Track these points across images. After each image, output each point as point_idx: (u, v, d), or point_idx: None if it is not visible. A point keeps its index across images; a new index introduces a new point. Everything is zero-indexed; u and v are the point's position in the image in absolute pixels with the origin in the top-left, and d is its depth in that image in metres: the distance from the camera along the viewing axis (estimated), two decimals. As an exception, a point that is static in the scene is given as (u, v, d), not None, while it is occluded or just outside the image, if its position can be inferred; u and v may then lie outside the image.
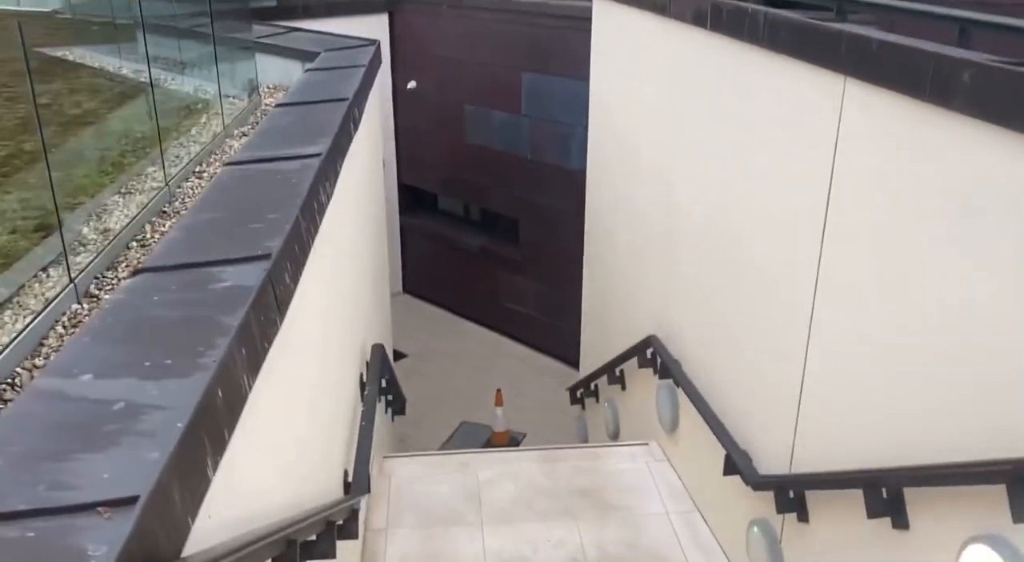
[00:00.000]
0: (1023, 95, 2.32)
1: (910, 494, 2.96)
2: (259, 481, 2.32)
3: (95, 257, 3.68)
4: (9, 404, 2.67)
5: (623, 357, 6.23)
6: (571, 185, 8.66)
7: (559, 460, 5.64)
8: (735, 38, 4.19)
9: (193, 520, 1.61)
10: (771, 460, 4.09)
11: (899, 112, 2.90)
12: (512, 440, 8.88)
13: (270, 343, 2.34)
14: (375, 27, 11.12)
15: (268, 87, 7.88)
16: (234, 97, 7.23)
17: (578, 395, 7.87)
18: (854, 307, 3.32)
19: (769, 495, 3.94)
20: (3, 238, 3.87)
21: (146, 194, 4.61)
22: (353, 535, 3.66)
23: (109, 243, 3.83)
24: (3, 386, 2.88)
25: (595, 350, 7.50)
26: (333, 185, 3.77)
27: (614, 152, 6.62)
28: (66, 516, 1.43)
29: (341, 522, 3.63)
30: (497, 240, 11.14)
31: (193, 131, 6.07)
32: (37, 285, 3.49)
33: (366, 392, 4.82)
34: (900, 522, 3.00)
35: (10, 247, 3.81)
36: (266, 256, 2.53)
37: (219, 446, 1.83)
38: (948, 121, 2.64)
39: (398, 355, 10.75)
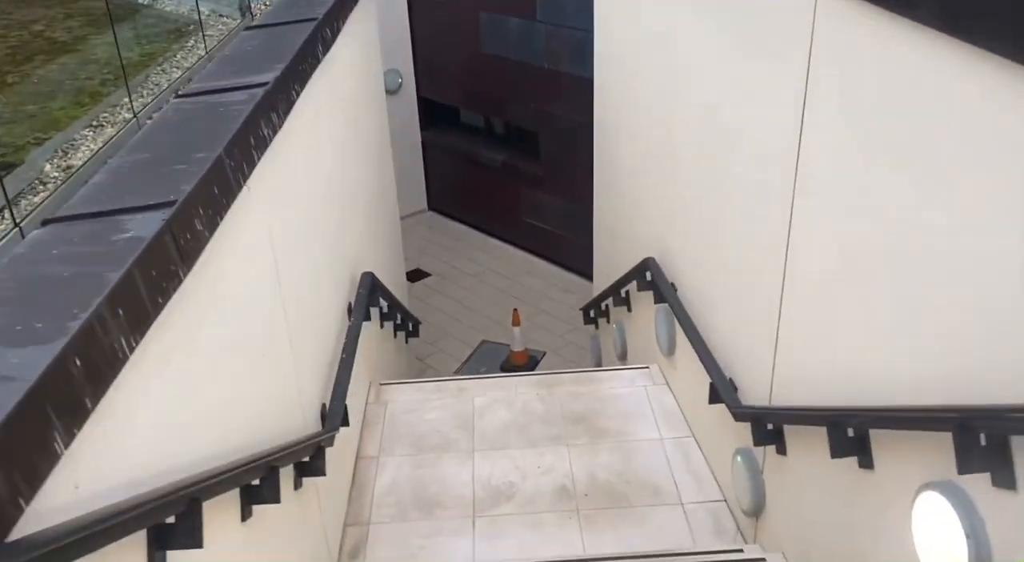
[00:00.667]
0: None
1: (876, 436, 2.81)
2: (166, 437, 2.27)
3: (47, 197, 3.62)
4: None
5: (626, 278, 6.08)
6: (587, 95, 8.31)
7: (556, 385, 5.58)
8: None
9: (27, 500, 1.55)
10: (754, 391, 3.95)
11: (866, 25, 2.60)
12: (530, 359, 8.86)
13: (167, 297, 2.25)
14: (386, -67, 10.66)
15: (265, 4, 7.62)
16: (227, 16, 7.02)
17: (591, 315, 7.76)
18: (824, 238, 3.10)
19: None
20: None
21: (116, 126, 4.51)
22: (320, 472, 3.67)
23: (63, 183, 3.76)
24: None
25: (606, 269, 7.34)
26: (283, 115, 3.60)
27: (616, 64, 6.28)
28: None
29: (307, 459, 3.65)
30: (518, 154, 10.87)
31: (178, 55, 5.92)
32: (-10, 228, 3.45)
33: (349, 323, 4.77)
34: (865, 462, 2.86)
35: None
36: (169, 203, 2.41)
37: (76, 416, 1.76)
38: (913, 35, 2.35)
39: (421, 274, 10.75)
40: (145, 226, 2.32)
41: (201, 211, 2.56)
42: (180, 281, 2.35)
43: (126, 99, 5.02)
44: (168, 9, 7.35)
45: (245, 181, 3.02)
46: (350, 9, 5.62)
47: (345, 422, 4.20)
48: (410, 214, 12.09)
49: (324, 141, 4.72)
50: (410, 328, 7.57)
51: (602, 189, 7.26)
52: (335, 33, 4.92)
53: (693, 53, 4.51)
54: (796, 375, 3.51)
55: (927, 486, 2.41)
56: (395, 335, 7.00)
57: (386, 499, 4.63)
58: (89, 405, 1.81)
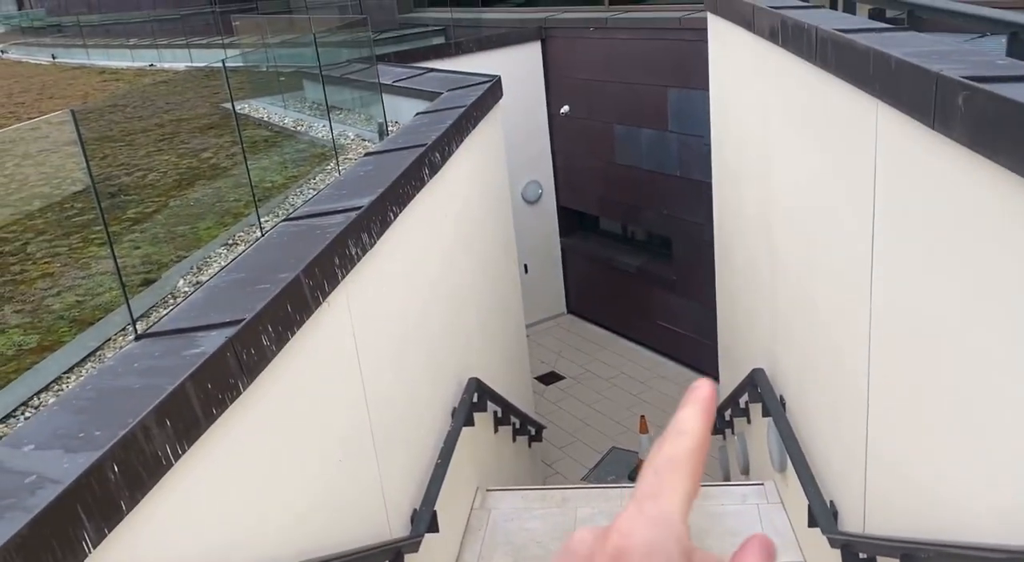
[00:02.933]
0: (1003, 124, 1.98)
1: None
2: (215, 540, 2.45)
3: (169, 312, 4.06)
4: None
5: (740, 389, 5.90)
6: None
7: (663, 498, 5.41)
8: (799, 56, 3.87)
9: (48, 594, 1.75)
10: (849, 516, 3.71)
11: (919, 142, 2.56)
12: (659, 468, 8.61)
13: (222, 408, 2.47)
14: (529, 58, 11.34)
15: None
16: (369, 141, 7.65)
17: (716, 425, 7.52)
18: (909, 366, 2.95)
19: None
20: (112, 294, 4.35)
21: (247, 244, 5.00)
22: (398, 575, 3.75)
23: (184, 299, 4.20)
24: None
25: (729, 376, 7.14)
26: (377, 235, 3.89)
27: (729, 174, 6.30)
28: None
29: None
30: (653, 259, 10.92)
31: (317, 178, 6.50)
32: (122, 338, 3.90)
33: (449, 428, 4.91)
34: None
35: (115, 303, 4.27)
36: (236, 322, 2.68)
37: (109, 518, 1.96)
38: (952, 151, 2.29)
39: (555, 377, 10.83)
40: (212, 343, 2.58)
41: (270, 328, 2.82)
42: (240, 393, 2.58)
43: (264, 218, 5.56)
44: (319, 135, 8.12)
45: (325, 298, 3.28)
46: (468, 131, 6.01)
47: (434, 528, 4.28)
48: (549, 317, 12.31)
49: (429, 254, 5.01)
50: (532, 433, 7.62)
51: (722, 295, 7.16)
52: (446, 156, 5.27)
53: (783, 165, 4.48)
54: (885, 501, 3.28)
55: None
56: (514, 440, 7.07)
57: (479, 609, 4.62)
58: (124, 508, 2.03)
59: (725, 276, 6.97)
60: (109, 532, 1.96)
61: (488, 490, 5.71)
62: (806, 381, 4.42)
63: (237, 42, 16.24)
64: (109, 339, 3.91)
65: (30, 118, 12.52)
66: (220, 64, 11.94)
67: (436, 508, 4.31)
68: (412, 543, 3.95)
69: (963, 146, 2.20)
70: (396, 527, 4.04)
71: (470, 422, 5.22)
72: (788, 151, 4.39)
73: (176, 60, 16.61)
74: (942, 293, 2.51)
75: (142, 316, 4.12)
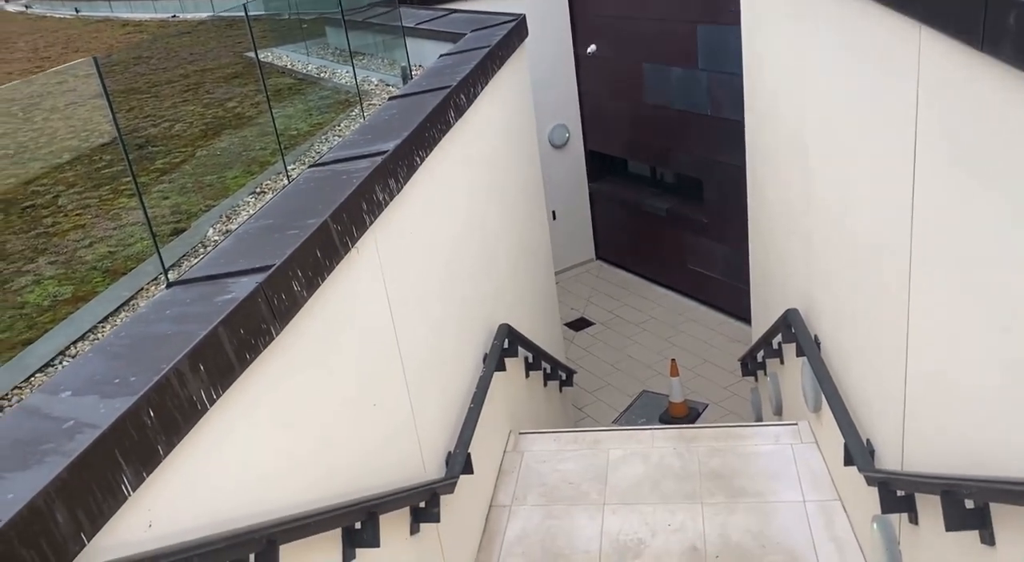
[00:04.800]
0: None
1: (998, 510, 2.55)
2: (253, 481, 2.48)
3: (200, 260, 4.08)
4: None
5: (774, 329, 5.84)
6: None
7: (695, 440, 5.42)
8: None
9: (89, 536, 1.77)
10: (887, 453, 3.67)
11: (965, 65, 2.44)
12: (691, 412, 8.64)
13: (255, 353, 2.47)
14: (553, -4, 11.08)
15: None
16: (394, 86, 7.55)
17: (748, 367, 7.48)
18: (940, 293, 2.87)
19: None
20: (143, 244, 4.37)
21: (275, 192, 4.99)
22: (434, 518, 3.80)
23: (214, 248, 4.21)
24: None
25: (763, 317, 7.07)
26: (403, 180, 3.85)
27: (761, 109, 6.14)
28: (-41, 534, 1.64)
29: (422, 505, 3.79)
30: (683, 202, 10.77)
31: (342, 125, 6.45)
32: (154, 287, 3.92)
33: (481, 373, 4.93)
34: (985, 537, 2.60)
35: (147, 252, 4.29)
36: (266, 268, 2.67)
37: (147, 462, 1.98)
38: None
39: (585, 323, 10.82)
40: (243, 289, 2.57)
41: (300, 273, 2.80)
42: (272, 338, 2.58)
43: (290, 166, 5.53)
44: (343, 82, 8.03)
45: (354, 243, 3.26)
46: (493, 72, 5.89)
47: (468, 470, 4.32)
48: (578, 264, 12.25)
49: (456, 200, 4.96)
50: (563, 378, 7.64)
51: (755, 236, 7.05)
52: (472, 97, 5.18)
53: (822, 97, 4.34)
54: (924, 438, 3.24)
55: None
56: (545, 385, 7.09)
57: (514, 549, 4.69)
58: (162, 452, 2.04)
59: (758, 216, 6.85)
60: (147, 476, 1.98)
61: (520, 433, 5.75)
62: (842, 319, 4.35)
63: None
64: (141, 289, 3.94)
65: (56, 72, 12.54)
66: (241, 14, 11.82)
67: (470, 450, 4.34)
68: (447, 484, 3.99)
69: (1013, 67, 2.09)
70: (431, 469, 4.08)
71: (501, 367, 5.24)
72: (825, 83, 4.25)
73: (198, 10, 16.48)
74: (988, 221, 2.43)
75: (173, 265, 4.14)
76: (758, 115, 6.43)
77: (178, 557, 1.99)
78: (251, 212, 4.77)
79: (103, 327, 3.68)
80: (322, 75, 8.54)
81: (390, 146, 3.88)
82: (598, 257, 12.45)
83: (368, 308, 3.48)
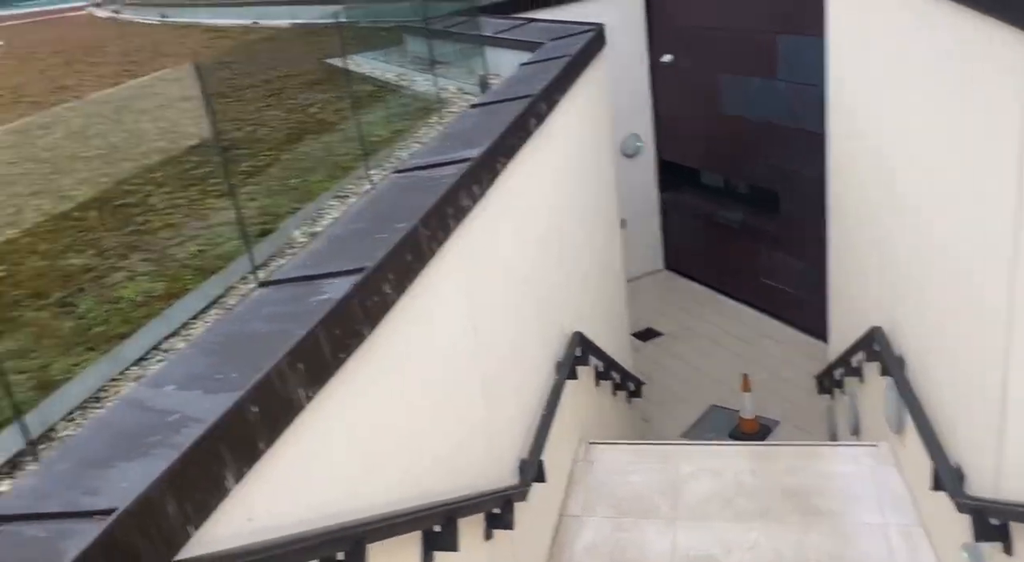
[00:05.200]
0: None
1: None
2: (341, 480, 2.52)
3: (288, 261, 4.17)
4: (101, 410, 3.14)
5: (856, 347, 5.70)
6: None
7: (771, 457, 5.32)
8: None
9: (195, 527, 1.83)
10: (979, 480, 3.54)
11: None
12: (762, 429, 8.47)
13: (348, 353, 2.52)
14: (631, 6, 11.03)
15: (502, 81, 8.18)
16: (471, 94, 7.62)
17: (824, 384, 7.31)
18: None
19: (978, 518, 3.42)
20: (232, 244, 4.50)
21: (357, 197, 5.08)
22: (508, 525, 3.81)
23: (300, 249, 4.30)
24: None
25: (841, 334, 6.91)
26: (486, 186, 3.88)
27: (848, 122, 6.01)
28: (77, 520, 1.70)
29: (497, 511, 3.80)
30: (757, 214, 10.60)
31: (421, 132, 6.53)
32: (243, 286, 4.03)
33: (554, 381, 4.92)
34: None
35: (236, 252, 4.42)
36: (359, 270, 2.71)
37: (249, 457, 2.03)
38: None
39: (653, 334, 10.72)
40: (337, 290, 2.63)
41: (391, 276, 2.85)
42: (364, 339, 2.62)
43: (372, 171, 5.63)
44: (421, 89, 8.14)
45: (439, 248, 3.29)
46: (572, 81, 5.90)
47: (540, 478, 4.32)
48: (646, 273, 12.16)
49: (535, 207, 4.97)
50: (631, 389, 7.58)
51: (836, 251, 6.89)
52: (552, 106, 5.19)
53: (915, 111, 4.23)
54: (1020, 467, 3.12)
55: None
56: (614, 394, 7.05)
57: (584, 560, 4.66)
58: (263, 447, 2.09)
59: (839, 230, 6.70)
60: (248, 470, 2.03)
61: (590, 443, 5.72)
62: (931, 338, 4.22)
63: (336, -2, 16.39)
64: (231, 287, 4.05)
65: (145, 75, 13.01)
66: (321, 21, 12.08)
67: (542, 458, 4.34)
68: (521, 491, 4.00)
69: None
70: (505, 475, 4.09)
71: (574, 375, 5.22)
72: (918, 96, 4.14)
73: (279, 17, 16.89)
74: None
75: (261, 265, 4.24)
76: (842, 127, 6.30)
77: (274, 552, 2.04)
78: (335, 215, 4.87)
79: (194, 323, 3.79)
80: (401, 82, 8.67)
81: (474, 153, 3.91)
82: (667, 267, 12.33)
83: (449, 313, 3.51)
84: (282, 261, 4.31)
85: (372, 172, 5.54)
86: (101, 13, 31.62)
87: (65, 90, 12.56)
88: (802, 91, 9.05)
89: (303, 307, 2.57)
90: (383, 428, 2.82)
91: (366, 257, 2.86)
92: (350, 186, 5.39)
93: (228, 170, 5.59)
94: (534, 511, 4.43)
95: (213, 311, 3.83)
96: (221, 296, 3.97)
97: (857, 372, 5.93)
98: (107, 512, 1.66)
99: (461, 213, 3.58)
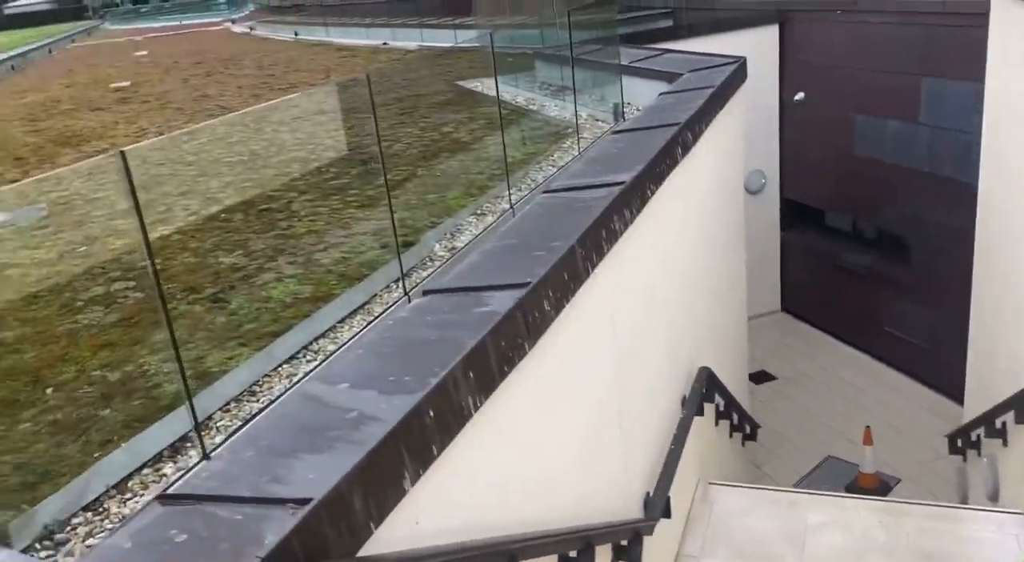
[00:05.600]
0: None
1: None
2: (495, 492, 2.50)
3: (431, 273, 4.22)
4: (277, 402, 3.19)
5: (1003, 407, 5.36)
6: (970, 202, 7.61)
7: (904, 515, 5.04)
8: None
9: (376, 525, 1.83)
10: None
11: None
12: (882, 485, 8.06)
13: (511, 366, 2.51)
14: (764, 42, 10.87)
15: (637, 109, 8.15)
16: (602, 120, 7.62)
17: (958, 444, 6.90)
18: None
19: None
20: (373, 253, 4.60)
21: (494, 215, 5.12)
22: (636, 559, 3.71)
23: (445, 262, 4.35)
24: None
25: (980, 393, 6.53)
26: (636, 212, 3.84)
27: (1005, 171, 5.71)
28: (268, 506, 1.73)
29: (625, 543, 3.72)
30: (885, 260, 10.18)
31: (555, 155, 6.55)
32: (386, 294, 4.10)
33: (681, 416, 4.81)
34: None
35: (378, 261, 4.51)
36: (523, 285, 2.71)
37: (424, 460, 2.04)
38: None
39: (766, 376, 10.41)
40: (501, 303, 2.63)
41: (550, 293, 2.84)
42: (525, 353, 2.62)
43: (506, 192, 5.67)
44: (553, 114, 8.19)
45: (593, 269, 3.27)
46: (715, 113, 5.82)
47: (667, 514, 4.21)
48: (762, 314, 11.82)
49: (674, 237, 4.91)
50: (747, 431, 7.35)
51: (980, 305, 6.53)
52: (696, 136, 5.13)
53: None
54: None
55: None
56: (730, 436, 6.85)
57: (701, 602, 4.51)
58: (435, 451, 2.09)
59: (987, 283, 6.35)
60: (423, 473, 2.03)
61: (709, 483, 5.55)
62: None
63: (465, 23, 16.79)
64: (375, 295, 4.12)
65: (280, 88, 13.59)
66: (450, 45, 12.36)
67: (669, 494, 4.23)
68: (648, 526, 3.90)
69: None
70: (631, 508, 4.00)
71: (700, 412, 5.09)
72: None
73: (408, 39, 17.41)
74: None
75: (404, 276, 4.31)
76: (995, 177, 5.99)
77: (440, 559, 2.03)
78: (474, 232, 4.92)
79: (340, 327, 3.87)
80: (531, 107, 8.74)
81: (626, 177, 3.89)
82: (784, 309, 11.97)
83: (597, 335, 3.48)
84: (424, 273, 4.36)
85: (508, 192, 5.58)
86: (237, 29, 33.33)
87: (207, 99, 13.22)
88: (947, 136, 8.69)
89: (468, 317, 2.59)
90: (534, 446, 2.80)
91: (526, 273, 2.87)
92: (487, 204, 5.44)
93: (361, 183, 5.74)
94: (654, 546, 4.31)
95: (358, 317, 3.89)
96: (365, 303, 4.04)
97: (1001, 434, 5.57)
98: (302, 501, 1.68)
99: (612, 237, 3.55)
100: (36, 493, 2.78)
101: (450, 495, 2.22)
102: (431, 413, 2.07)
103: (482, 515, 2.41)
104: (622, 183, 3.80)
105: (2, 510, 2.59)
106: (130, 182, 2.34)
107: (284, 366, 3.53)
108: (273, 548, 1.56)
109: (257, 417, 2.60)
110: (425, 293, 2.91)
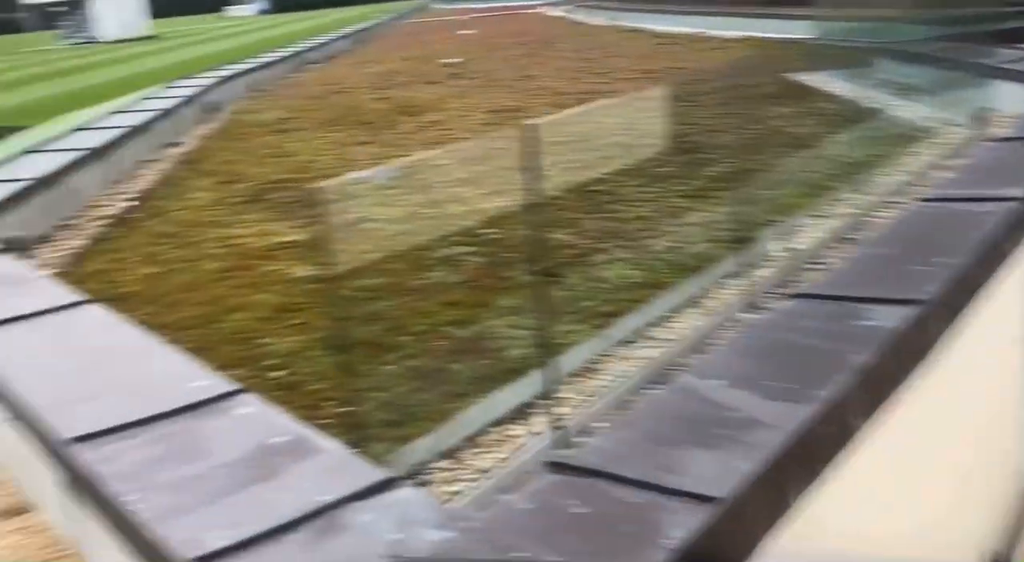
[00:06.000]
0: None
1: None
2: (870, 515, 2.32)
3: (771, 273, 4.05)
4: (653, 392, 3.16)
5: None
6: None
7: None
8: None
9: (761, 536, 1.75)
10: None
11: None
12: None
13: (897, 391, 2.31)
14: None
15: (1004, 116, 7.25)
16: (960, 126, 6.89)
17: None
18: None
19: None
20: (704, 245, 4.51)
21: (834, 219, 4.81)
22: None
23: (786, 263, 4.15)
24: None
25: None
26: (1028, 233, 3.38)
27: None
28: (666, 496, 1.71)
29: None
30: None
31: (902, 160, 6.03)
32: (721, 291, 4.00)
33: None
34: None
35: (706, 253, 4.42)
36: (913, 301, 2.48)
37: (805, 478, 1.92)
38: None
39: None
40: (886, 317, 2.42)
41: (942, 314, 2.57)
42: (911, 378, 2.39)
43: (846, 195, 5.31)
44: (898, 115, 7.55)
45: (983, 290, 2.92)
46: None
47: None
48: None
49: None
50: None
51: None
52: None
53: None
54: None
55: None
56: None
57: None
58: (820, 469, 1.97)
59: None
60: (805, 488, 1.92)
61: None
62: None
63: (790, 14, 16.00)
64: (708, 289, 4.04)
65: (599, 71, 13.85)
66: (777, 36, 11.78)
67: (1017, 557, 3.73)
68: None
69: None
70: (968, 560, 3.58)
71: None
72: None
73: (729, 28, 16.96)
74: None
75: (737, 273, 4.18)
76: None
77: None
78: (815, 235, 4.66)
79: (673, 316, 3.83)
80: (871, 105, 8.13)
81: (1019, 192, 3.44)
82: None
83: (992, 364, 3.13)
84: (760, 273, 4.21)
85: (849, 196, 5.22)
86: (551, 12, 34.52)
87: (530, 79, 13.80)
88: None
89: (849, 329, 2.42)
90: (910, 482, 2.56)
91: (912, 288, 2.62)
92: (826, 206, 5.13)
93: (685, 171, 5.64)
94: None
95: (694, 310, 3.84)
96: (700, 296, 3.97)
97: None
98: (705, 499, 1.64)
99: (1001, 255, 3.15)
100: (399, 432, 3.04)
101: (823, 518, 2.08)
102: (821, 427, 1.95)
103: (862, 541, 2.24)
104: (1015, 198, 3.36)
105: (376, 442, 2.86)
106: (533, 154, 2.43)
107: (620, 349, 3.57)
108: (680, 542, 1.53)
109: (617, 399, 2.62)
110: (792, 297, 2.76)
